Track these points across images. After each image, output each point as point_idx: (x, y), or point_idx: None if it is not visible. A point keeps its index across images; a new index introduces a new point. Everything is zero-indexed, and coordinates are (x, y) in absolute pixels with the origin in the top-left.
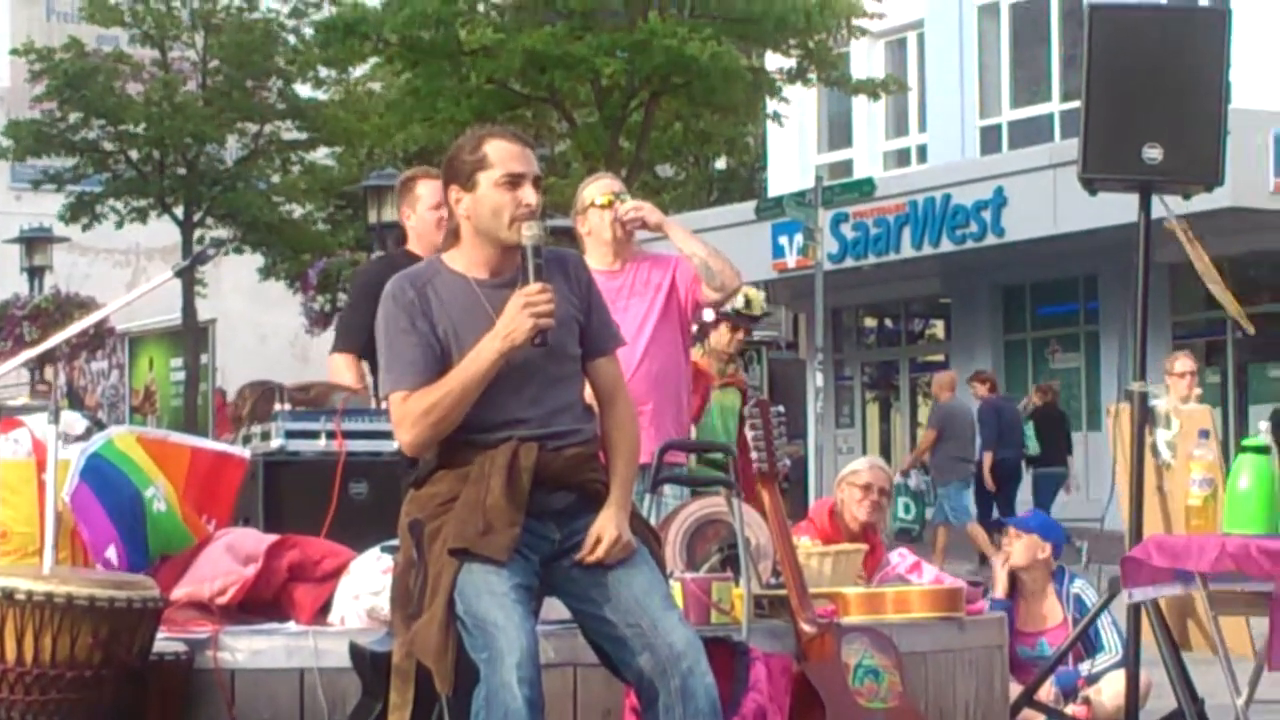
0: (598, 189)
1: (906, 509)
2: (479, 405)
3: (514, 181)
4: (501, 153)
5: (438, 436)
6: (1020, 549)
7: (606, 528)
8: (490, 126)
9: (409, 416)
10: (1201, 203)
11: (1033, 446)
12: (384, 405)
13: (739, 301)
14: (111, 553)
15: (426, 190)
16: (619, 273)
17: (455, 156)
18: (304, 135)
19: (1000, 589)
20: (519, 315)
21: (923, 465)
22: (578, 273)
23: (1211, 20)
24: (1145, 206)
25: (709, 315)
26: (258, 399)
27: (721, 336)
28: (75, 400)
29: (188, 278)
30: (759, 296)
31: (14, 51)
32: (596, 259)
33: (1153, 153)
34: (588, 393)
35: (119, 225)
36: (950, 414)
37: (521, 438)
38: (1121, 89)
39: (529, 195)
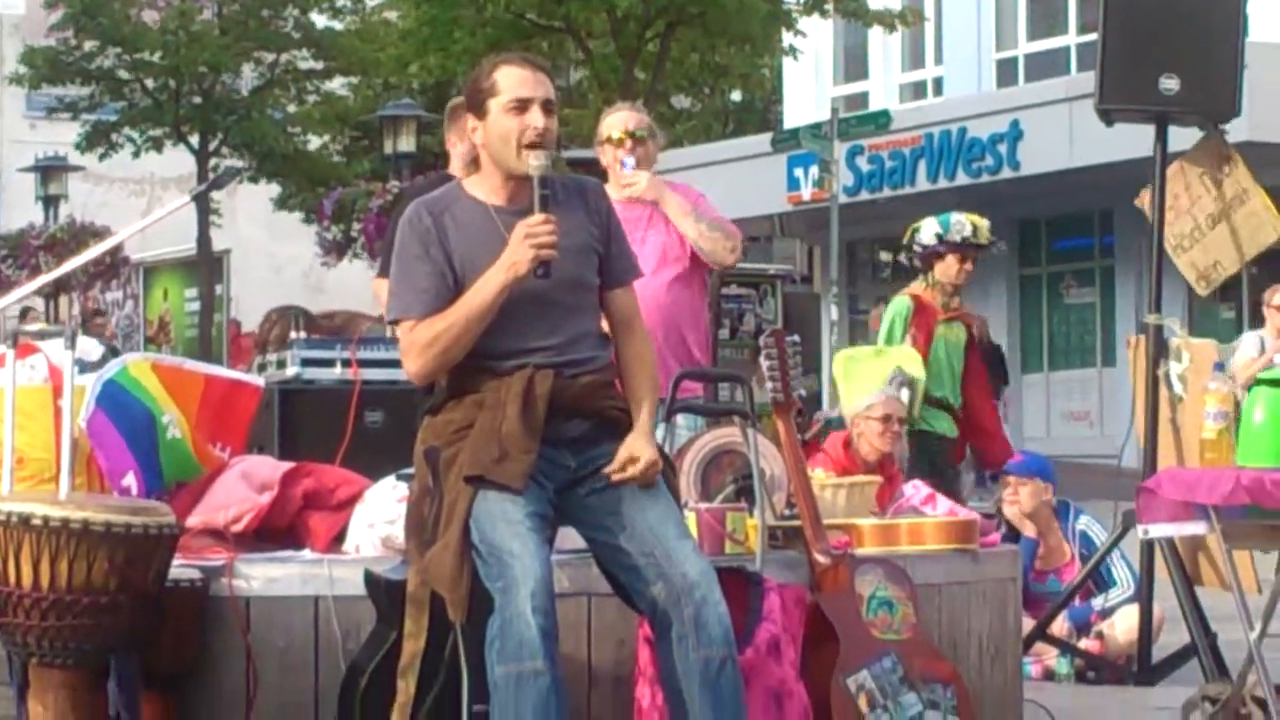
0: (611, 123)
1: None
2: (494, 333)
3: (522, 106)
4: (510, 78)
5: (444, 366)
6: (1026, 495)
7: (640, 448)
8: (505, 53)
9: (415, 345)
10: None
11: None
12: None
13: (966, 229)
14: (130, 479)
15: None
16: (638, 203)
17: (471, 85)
18: (320, 65)
19: (1029, 531)
20: (520, 246)
21: None
22: (597, 201)
23: None
24: (1162, 138)
25: (930, 240)
26: (284, 324)
27: (949, 268)
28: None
29: (203, 207)
30: (985, 224)
31: None
32: (617, 190)
33: (1169, 84)
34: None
35: (135, 154)
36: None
37: (537, 365)
38: (1139, 20)
39: (535, 119)
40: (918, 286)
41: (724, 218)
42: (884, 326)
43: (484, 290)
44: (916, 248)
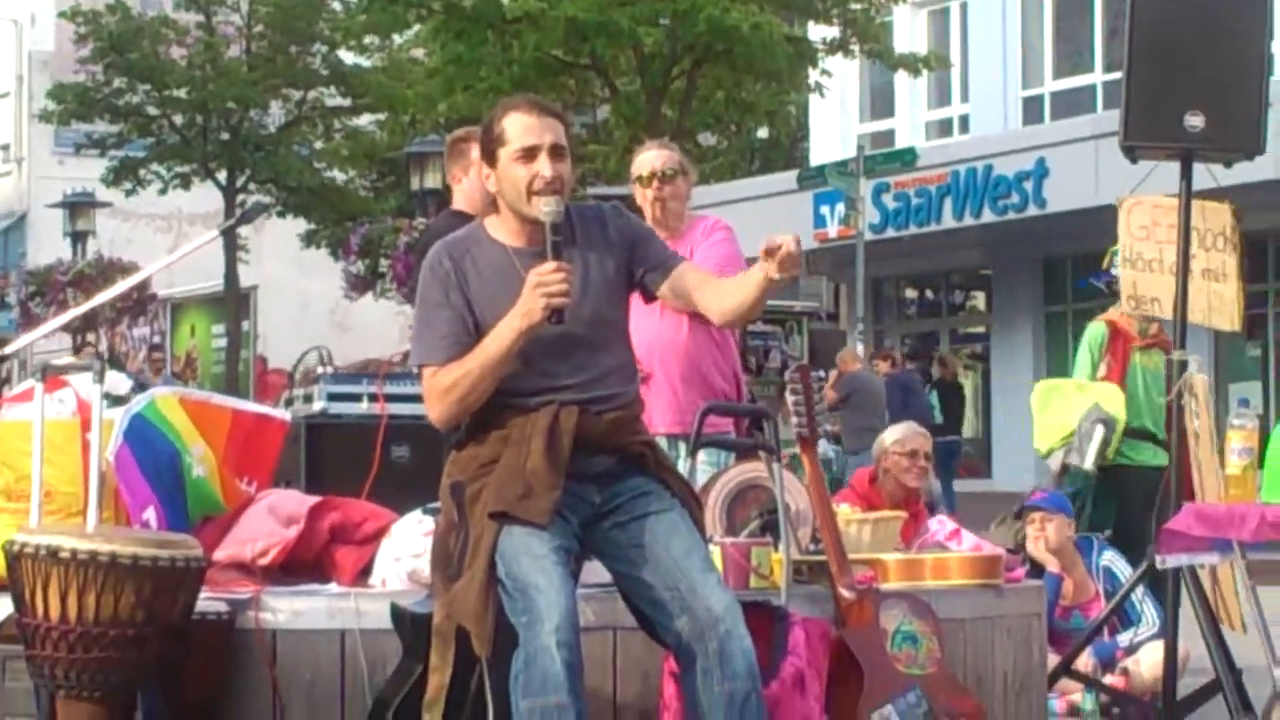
0: (640, 163)
1: None
2: (520, 370)
3: (529, 154)
4: (517, 126)
5: (465, 412)
6: (1053, 531)
7: (782, 239)
8: (511, 98)
9: (435, 391)
10: (1244, 173)
11: (937, 417)
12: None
13: None
14: (150, 514)
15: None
16: (668, 236)
17: (482, 133)
18: (347, 102)
19: (1053, 565)
20: (532, 295)
21: (833, 435)
22: (615, 222)
23: None
24: (1186, 175)
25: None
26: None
27: None
28: (117, 366)
29: (230, 244)
30: None
31: (61, 14)
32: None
33: (1194, 120)
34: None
35: (162, 191)
36: (856, 383)
37: (563, 401)
38: (1163, 56)
39: (544, 166)
40: (1114, 312)
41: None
42: (1079, 353)
43: (500, 338)
44: (1114, 271)
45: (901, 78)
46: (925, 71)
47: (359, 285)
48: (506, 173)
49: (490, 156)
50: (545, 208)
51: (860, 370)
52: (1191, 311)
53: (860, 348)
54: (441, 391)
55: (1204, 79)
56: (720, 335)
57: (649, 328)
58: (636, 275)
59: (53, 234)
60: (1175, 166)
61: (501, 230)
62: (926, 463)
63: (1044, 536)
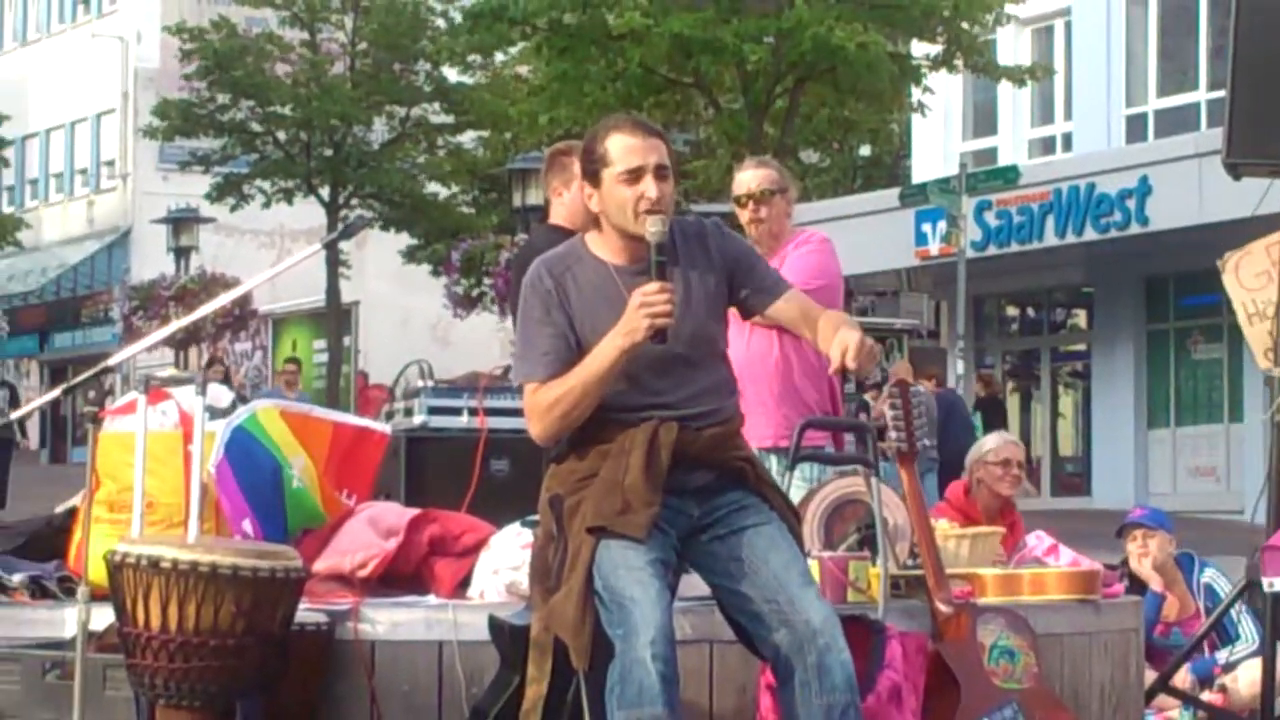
0: (737, 183)
1: None
2: (622, 390)
3: (635, 176)
4: (620, 148)
5: (566, 429)
6: (1156, 547)
7: (847, 336)
8: (612, 118)
9: (537, 409)
10: None
11: (979, 434)
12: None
13: None
14: (246, 526)
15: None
16: (767, 254)
17: (584, 153)
18: (450, 119)
19: (1156, 584)
20: (636, 314)
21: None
22: (717, 240)
23: None
24: None
25: None
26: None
27: None
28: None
29: (331, 259)
30: None
31: (166, 30)
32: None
33: None
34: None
35: (265, 205)
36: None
37: (662, 417)
38: (1267, 74)
39: (650, 189)
40: None
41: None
42: None
43: (602, 356)
44: None
45: (1005, 95)
46: (1029, 83)
47: (462, 303)
48: (611, 193)
49: (593, 177)
50: (651, 228)
51: (916, 386)
52: None
53: (960, 365)
54: (544, 409)
55: None
56: (812, 356)
57: (739, 344)
58: (740, 295)
59: (157, 249)
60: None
61: (603, 248)
62: (1020, 471)
63: (1148, 554)
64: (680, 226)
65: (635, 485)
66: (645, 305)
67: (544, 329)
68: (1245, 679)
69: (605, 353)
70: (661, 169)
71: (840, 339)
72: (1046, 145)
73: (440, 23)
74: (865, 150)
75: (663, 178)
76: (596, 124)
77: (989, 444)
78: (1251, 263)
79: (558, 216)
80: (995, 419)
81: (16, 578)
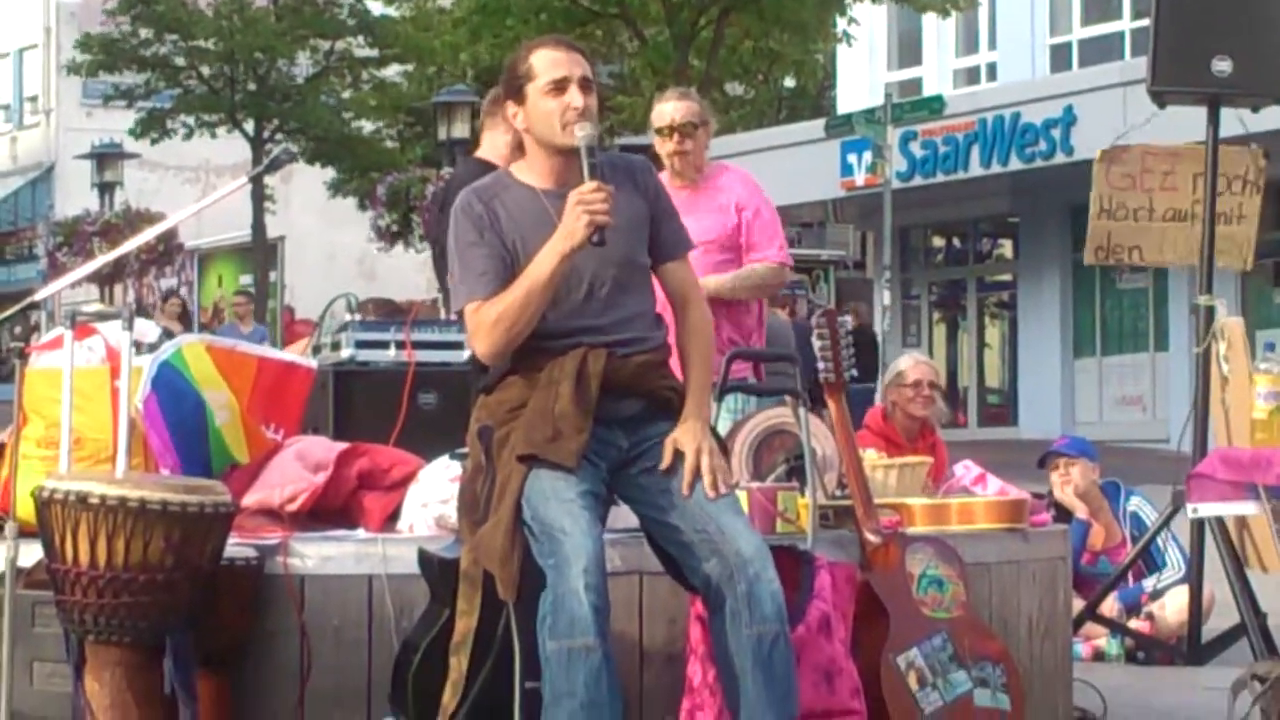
0: (657, 114)
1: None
2: (547, 314)
3: (559, 86)
4: (544, 61)
5: (511, 344)
6: (1078, 474)
7: (686, 440)
8: (537, 38)
9: (482, 326)
10: (1273, 119)
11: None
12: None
13: None
14: (170, 463)
15: None
16: (684, 187)
17: (508, 72)
18: (375, 52)
19: (1081, 513)
20: (573, 215)
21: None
22: (645, 178)
23: None
24: (1214, 120)
25: None
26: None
27: None
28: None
29: (257, 194)
30: None
31: None
32: (669, 179)
33: (1222, 65)
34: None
35: (187, 137)
36: (770, 328)
37: (590, 344)
38: (1192, 3)
39: (575, 98)
40: None
41: (772, 250)
42: None
43: (542, 263)
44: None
45: (929, 25)
46: (953, 15)
47: (386, 237)
48: (536, 107)
49: (518, 93)
50: (580, 131)
51: (773, 314)
52: (1193, 255)
53: (887, 296)
54: (490, 325)
55: (1232, 24)
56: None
57: None
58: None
59: (81, 185)
60: (1202, 112)
61: (530, 173)
62: (932, 391)
63: (1069, 481)
64: (609, 159)
65: (565, 413)
66: (583, 203)
67: (479, 250)
68: (1172, 606)
69: (546, 259)
70: (586, 81)
71: (677, 438)
72: (971, 75)
73: None
74: (790, 82)
75: (587, 90)
76: (518, 48)
77: (900, 365)
78: (1125, 163)
79: (485, 152)
80: (866, 350)
81: None
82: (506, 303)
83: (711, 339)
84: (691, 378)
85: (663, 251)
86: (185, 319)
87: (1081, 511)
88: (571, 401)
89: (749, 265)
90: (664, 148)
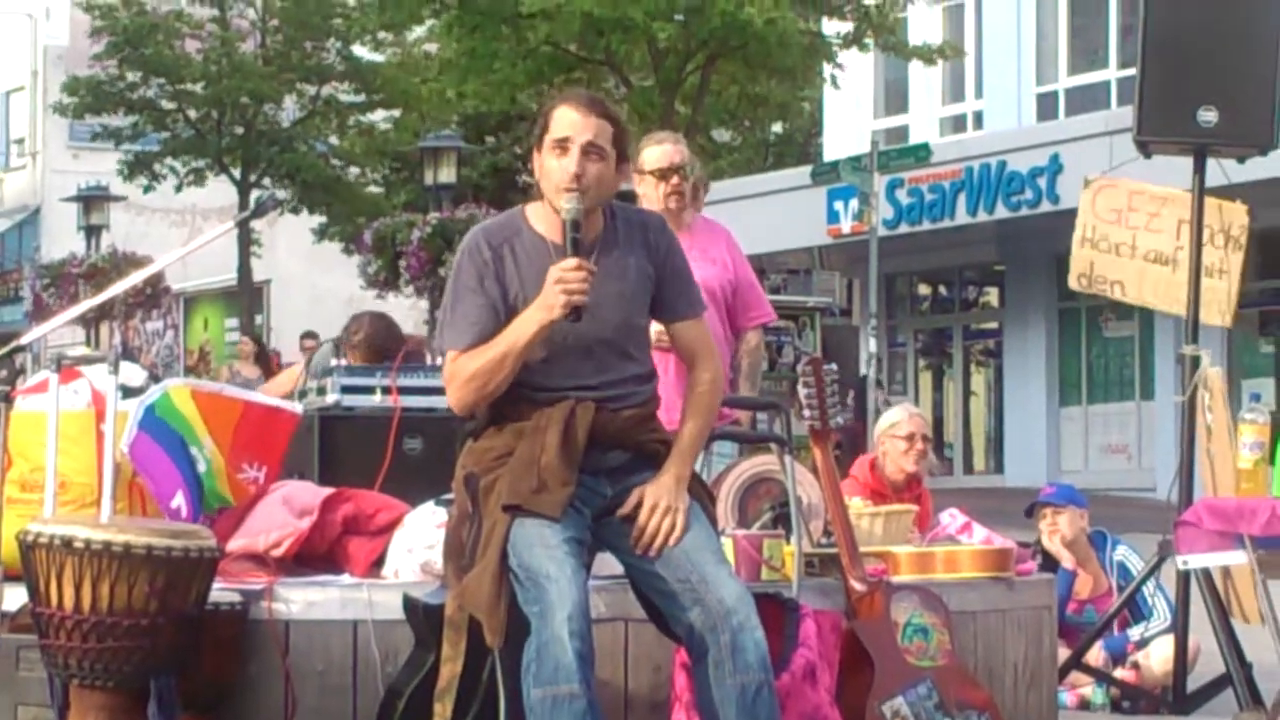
0: (651, 157)
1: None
2: (541, 369)
3: (562, 147)
4: (558, 117)
5: (482, 400)
6: (1066, 523)
7: (657, 494)
8: (571, 90)
9: (456, 377)
10: (1259, 170)
11: None
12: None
13: None
14: (179, 500)
15: None
16: (683, 232)
17: (536, 116)
18: (361, 97)
19: (1068, 562)
20: (551, 291)
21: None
22: (658, 237)
23: None
24: (1200, 170)
25: None
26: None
27: None
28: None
29: (243, 238)
30: None
31: (75, 6)
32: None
33: (1207, 116)
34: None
35: (178, 188)
36: None
37: (580, 397)
38: (1177, 52)
39: (569, 162)
40: None
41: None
42: None
43: (519, 330)
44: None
45: (916, 73)
46: (940, 62)
47: (376, 283)
48: (542, 162)
49: (537, 142)
50: (565, 204)
51: None
52: (1174, 303)
53: (873, 343)
54: (464, 379)
55: (1217, 75)
56: (728, 334)
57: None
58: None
59: (67, 228)
60: (1188, 162)
61: (542, 221)
62: (924, 445)
63: (1057, 530)
64: (624, 214)
65: (551, 464)
66: (561, 281)
67: (475, 298)
68: (1158, 656)
69: (523, 327)
70: (592, 147)
71: (646, 490)
72: (958, 123)
73: (351, 0)
74: (777, 128)
75: (592, 157)
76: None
77: (893, 416)
78: (1112, 197)
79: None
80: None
81: None
82: (482, 361)
83: (716, 400)
84: (682, 434)
85: (671, 312)
86: (263, 359)
87: (1069, 562)
88: (558, 454)
89: (746, 345)
90: (657, 190)
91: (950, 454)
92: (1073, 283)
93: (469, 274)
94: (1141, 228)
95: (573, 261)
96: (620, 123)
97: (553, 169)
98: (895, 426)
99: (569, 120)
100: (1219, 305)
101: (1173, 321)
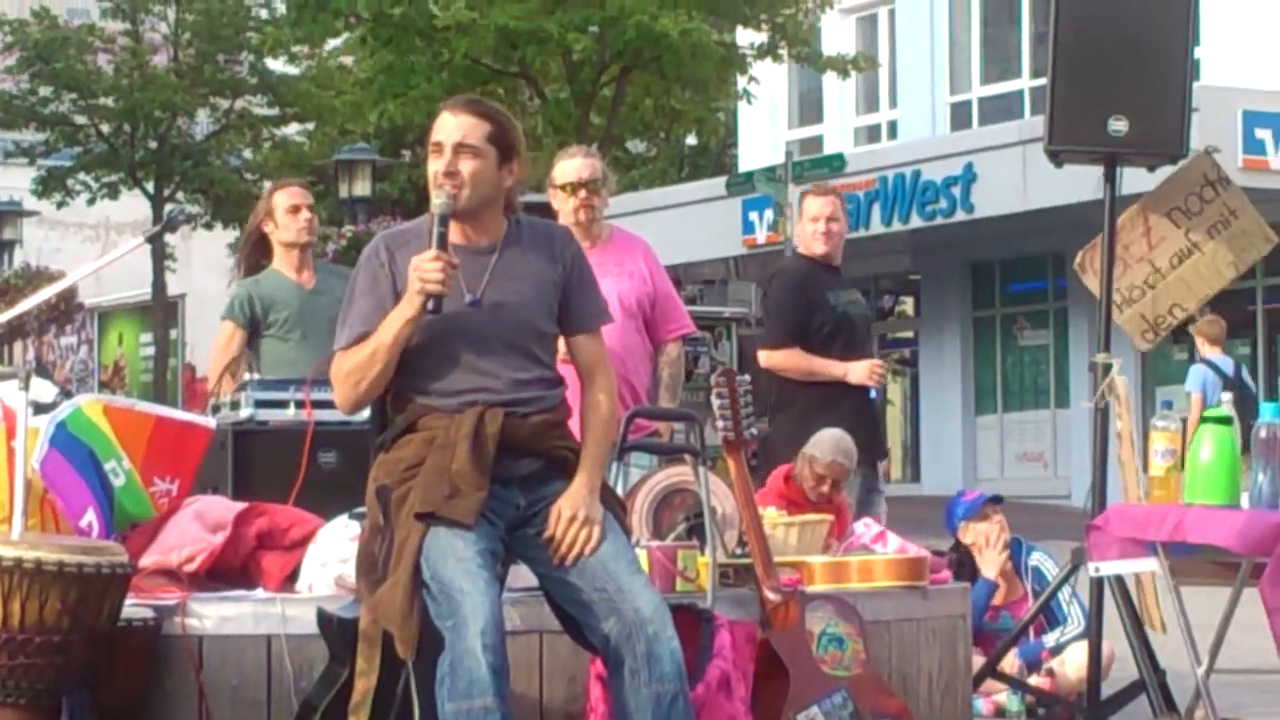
0: (562, 171)
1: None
2: (446, 373)
3: (436, 149)
4: (436, 124)
5: (363, 396)
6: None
7: (569, 505)
8: (453, 98)
9: (338, 375)
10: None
11: None
12: None
13: None
14: (90, 517)
15: None
16: (591, 250)
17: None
18: (275, 111)
19: (993, 572)
20: (410, 280)
21: None
22: (563, 247)
23: None
24: (1111, 178)
25: None
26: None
27: None
28: (45, 375)
29: (157, 252)
30: None
31: None
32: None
33: (1118, 125)
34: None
35: (90, 202)
36: None
37: (487, 403)
38: (1088, 61)
39: (440, 163)
40: None
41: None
42: None
43: (389, 325)
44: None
45: (830, 84)
46: (854, 74)
47: None
48: (428, 165)
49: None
50: (436, 199)
51: None
52: (1226, 272)
53: None
54: (344, 375)
55: (1128, 84)
56: (646, 344)
57: None
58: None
59: None
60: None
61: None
62: (833, 490)
63: (1005, 530)
64: (530, 225)
65: (463, 470)
66: (417, 270)
67: (365, 300)
68: (1072, 662)
69: (390, 323)
70: (464, 147)
71: (562, 503)
72: (872, 133)
73: (264, 13)
74: (692, 139)
75: (465, 155)
76: None
77: (822, 449)
78: (1100, 257)
79: None
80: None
81: None
82: (357, 358)
83: (614, 415)
84: (586, 449)
85: (574, 323)
86: None
87: (992, 571)
88: (469, 460)
89: (666, 357)
90: (567, 204)
91: None
92: (1143, 346)
93: (364, 277)
94: (1148, 250)
95: (431, 252)
96: (502, 120)
97: (429, 171)
98: (815, 461)
99: (441, 124)
100: (1257, 235)
101: (1086, 329)
